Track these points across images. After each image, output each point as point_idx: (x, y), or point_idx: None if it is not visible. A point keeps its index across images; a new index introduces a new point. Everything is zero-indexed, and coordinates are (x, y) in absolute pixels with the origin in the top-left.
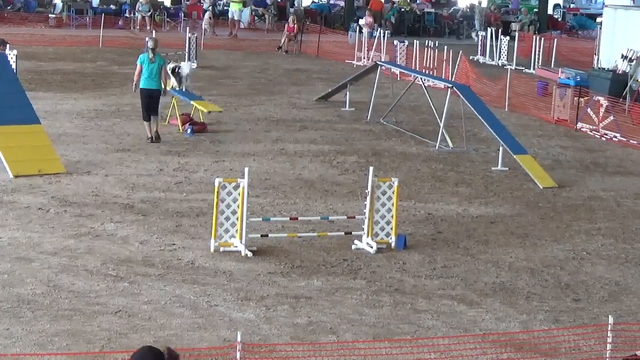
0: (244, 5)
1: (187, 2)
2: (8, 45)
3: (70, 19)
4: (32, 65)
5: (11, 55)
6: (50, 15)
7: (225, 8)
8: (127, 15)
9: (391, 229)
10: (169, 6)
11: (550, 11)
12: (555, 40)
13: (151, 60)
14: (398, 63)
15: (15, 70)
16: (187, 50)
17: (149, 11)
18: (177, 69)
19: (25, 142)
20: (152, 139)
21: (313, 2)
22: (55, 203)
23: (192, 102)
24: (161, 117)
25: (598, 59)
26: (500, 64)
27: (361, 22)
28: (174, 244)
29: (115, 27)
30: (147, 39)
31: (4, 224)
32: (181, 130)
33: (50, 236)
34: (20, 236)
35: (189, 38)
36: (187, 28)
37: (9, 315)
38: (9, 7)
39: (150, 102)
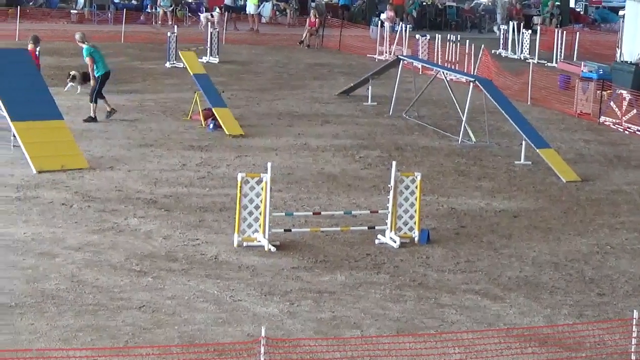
0: (265, 0)
1: None
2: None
3: (92, 15)
4: (55, 60)
5: None
6: (72, 11)
7: (245, 3)
8: (149, 11)
9: (414, 223)
10: (190, 1)
11: (572, 4)
12: (578, 33)
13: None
14: (420, 57)
15: (38, 66)
16: (208, 45)
17: (171, 6)
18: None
19: (48, 138)
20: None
21: None
22: (78, 198)
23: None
24: (184, 112)
25: (621, 52)
26: (522, 58)
27: (383, 16)
28: (197, 239)
29: (137, 22)
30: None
31: (28, 219)
32: (204, 125)
33: (73, 231)
34: (44, 231)
35: (210, 33)
36: (209, 24)
37: (33, 310)
38: (31, 3)
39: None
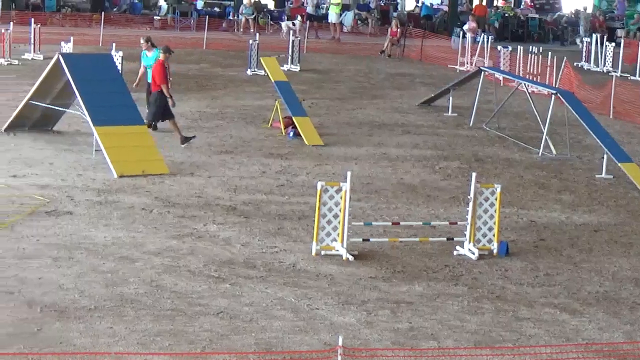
0: (346, 9)
1: (291, 5)
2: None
3: (175, 21)
4: (137, 66)
5: (117, 56)
6: (155, 17)
7: (327, 12)
8: (231, 18)
9: (493, 235)
10: (272, 9)
11: None
12: None
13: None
14: (501, 68)
15: (120, 71)
16: (290, 53)
17: (253, 14)
18: None
19: (129, 143)
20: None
21: (417, 5)
22: (158, 204)
23: (293, 117)
24: (264, 120)
25: None
26: (604, 71)
27: (465, 27)
28: (275, 247)
29: (219, 29)
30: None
31: (108, 223)
32: (284, 133)
33: (153, 236)
34: (124, 236)
35: (292, 41)
36: (290, 32)
37: (112, 314)
38: (115, 9)
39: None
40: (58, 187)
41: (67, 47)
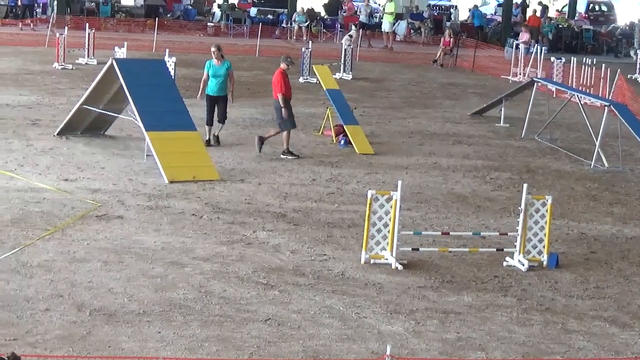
0: (399, 18)
1: (344, 14)
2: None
3: (228, 28)
4: (190, 72)
5: (170, 62)
6: (209, 23)
7: (380, 20)
8: (284, 26)
9: (543, 247)
10: (325, 17)
11: None
12: None
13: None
14: (554, 80)
15: (173, 77)
16: (342, 61)
17: (306, 22)
18: None
19: (181, 149)
20: (208, 142)
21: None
22: (208, 209)
23: (345, 126)
24: (316, 128)
25: None
26: None
27: (519, 38)
28: (324, 254)
29: (272, 36)
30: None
31: (159, 228)
32: (334, 141)
33: (203, 242)
34: (173, 241)
35: (345, 49)
36: (344, 38)
37: (161, 318)
38: (169, 15)
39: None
40: (109, 191)
41: (121, 53)
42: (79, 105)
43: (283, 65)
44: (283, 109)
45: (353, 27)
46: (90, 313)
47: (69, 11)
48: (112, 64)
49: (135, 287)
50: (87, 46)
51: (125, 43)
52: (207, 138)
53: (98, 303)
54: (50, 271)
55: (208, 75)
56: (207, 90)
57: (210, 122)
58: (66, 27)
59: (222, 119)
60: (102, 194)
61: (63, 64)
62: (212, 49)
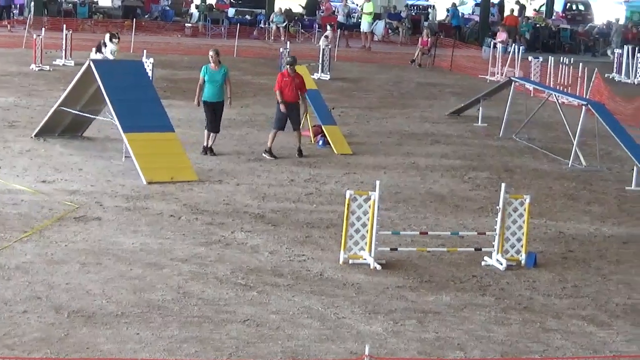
0: (377, 18)
1: (322, 14)
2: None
3: (206, 29)
4: (168, 73)
5: (147, 63)
6: (186, 24)
7: (358, 21)
8: (262, 26)
9: (521, 246)
10: (303, 17)
11: None
12: None
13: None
14: (532, 79)
15: (151, 78)
16: (320, 61)
17: (284, 22)
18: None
19: (159, 150)
20: (206, 150)
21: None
22: (186, 210)
23: (323, 126)
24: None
25: None
26: (636, 83)
27: (496, 37)
28: (303, 255)
29: (250, 37)
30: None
31: (137, 229)
32: (313, 141)
33: (181, 243)
34: (152, 242)
35: (323, 50)
36: (321, 39)
37: (139, 320)
38: (147, 16)
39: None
40: (87, 192)
41: (99, 54)
42: (56, 106)
43: (289, 69)
44: (281, 105)
45: (329, 28)
46: (69, 315)
47: (46, 12)
48: (89, 65)
49: (113, 288)
50: (64, 47)
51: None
52: (204, 144)
53: (76, 305)
54: (28, 273)
55: (204, 80)
56: (204, 96)
57: (211, 129)
58: (43, 29)
59: (217, 128)
60: (80, 195)
61: (40, 65)
62: (210, 54)
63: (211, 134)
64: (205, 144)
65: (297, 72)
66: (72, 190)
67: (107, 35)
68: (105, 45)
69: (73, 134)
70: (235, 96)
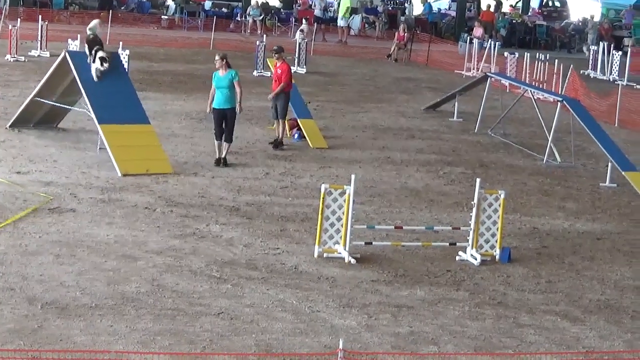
0: (354, 13)
1: (299, 7)
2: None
3: (183, 21)
4: (144, 65)
5: (123, 55)
6: (163, 16)
7: (335, 15)
8: (239, 19)
9: (496, 241)
10: (280, 11)
11: None
12: None
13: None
14: (508, 75)
15: (127, 70)
16: (297, 55)
17: (261, 15)
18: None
19: (134, 142)
20: (218, 161)
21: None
22: (161, 203)
23: (299, 120)
24: (270, 121)
25: None
26: (611, 79)
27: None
28: (278, 248)
29: (227, 30)
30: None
31: (111, 221)
32: (288, 135)
33: (155, 235)
34: (126, 234)
35: (299, 43)
36: (297, 33)
37: (113, 312)
38: (123, 8)
39: (223, 122)
40: (62, 184)
41: (74, 45)
42: (31, 97)
43: (277, 57)
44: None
45: (304, 21)
46: (42, 306)
47: (21, 3)
48: (65, 56)
49: (87, 280)
50: (40, 38)
51: (79, 35)
52: (217, 157)
53: (50, 296)
54: (1, 264)
55: (214, 87)
56: (214, 104)
57: (219, 137)
58: (19, 19)
59: (228, 137)
60: (54, 187)
61: (15, 56)
62: (216, 58)
63: (224, 144)
64: (217, 155)
65: (283, 62)
66: (47, 182)
67: (100, 55)
68: (94, 61)
69: (48, 125)
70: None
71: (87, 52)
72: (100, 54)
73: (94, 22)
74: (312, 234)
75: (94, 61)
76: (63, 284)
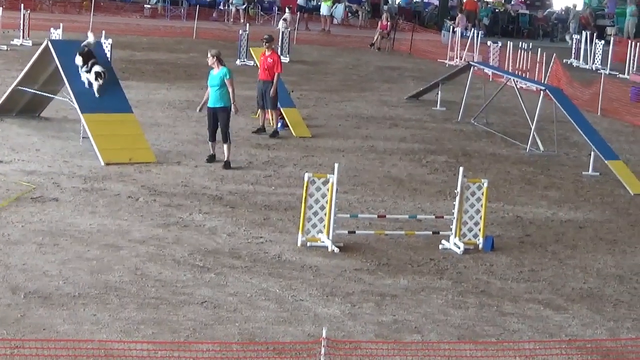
0: (337, 2)
1: None
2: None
3: (165, 10)
4: (126, 54)
5: (106, 44)
6: (145, 5)
7: (318, 4)
8: (222, 8)
9: (479, 230)
10: None
11: None
12: None
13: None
14: (491, 64)
15: (109, 59)
16: (280, 44)
17: (243, 4)
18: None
19: (117, 131)
20: (211, 158)
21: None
22: (144, 192)
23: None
24: (253, 110)
25: None
26: (594, 68)
27: (455, 22)
28: (261, 237)
29: (210, 19)
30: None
31: (94, 210)
32: (272, 123)
33: (139, 225)
34: (109, 223)
35: (282, 32)
36: (280, 22)
37: (96, 301)
38: None
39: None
40: (44, 173)
41: (57, 34)
42: (13, 86)
43: (267, 46)
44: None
45: (287, 10)
46: (25, 296)
47: None
48: (47, 45)
49: (70, 269)
50: (22, 27)
51: (62, 24)
52: (211, 153)
53: (33, 286)
54: None
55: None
56: (208, 102)
57: (212, 137)
58: (1, 8)
59: (223, 136)
60: (37, 176)
61: None
62: (208, 56)
63: (223, 145)
64: (212, 152)
65: (273, 51)
66: (30, 171)
67: (96, 70)
68: (89, 72)
69: (30, 114)
70: (194, 78)
71: (80, 64)
72: (96, 68)
73: (90, 36)
74: (295, 222)
75: (88, 72)
76: (46, 273)
